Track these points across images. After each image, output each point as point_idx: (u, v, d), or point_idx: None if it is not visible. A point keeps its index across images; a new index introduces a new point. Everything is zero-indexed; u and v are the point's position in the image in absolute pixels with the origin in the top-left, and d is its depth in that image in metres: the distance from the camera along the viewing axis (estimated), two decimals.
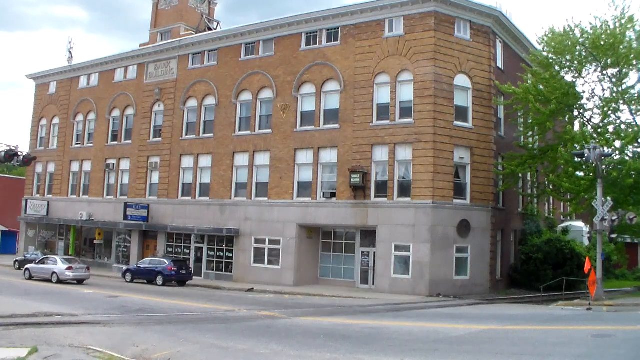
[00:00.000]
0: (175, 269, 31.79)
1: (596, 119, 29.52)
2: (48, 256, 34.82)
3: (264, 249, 33.52)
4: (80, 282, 31.23)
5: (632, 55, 26.88)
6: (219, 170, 36.27)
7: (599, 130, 28.27)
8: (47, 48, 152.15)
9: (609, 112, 28.32)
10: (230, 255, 35.17)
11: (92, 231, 42.91)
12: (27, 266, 33.63)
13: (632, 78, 28.26)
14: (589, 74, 29.10)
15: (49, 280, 30.90)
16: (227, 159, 35.96)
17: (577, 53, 28.48)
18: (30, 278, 32.11)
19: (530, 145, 31.44)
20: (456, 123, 29.58)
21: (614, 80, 28.21)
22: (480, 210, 29.88)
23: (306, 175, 32.75)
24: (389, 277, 29.12)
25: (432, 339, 14.51)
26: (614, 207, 27.23)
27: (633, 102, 27.69)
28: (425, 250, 28.29)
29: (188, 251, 37.28)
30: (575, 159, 26.76)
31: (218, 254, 35.98)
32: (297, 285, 31.29)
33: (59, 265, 31.33)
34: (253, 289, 30.31)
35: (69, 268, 30.97)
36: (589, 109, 29.92)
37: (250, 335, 14.98)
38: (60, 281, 30.59)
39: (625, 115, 28.46)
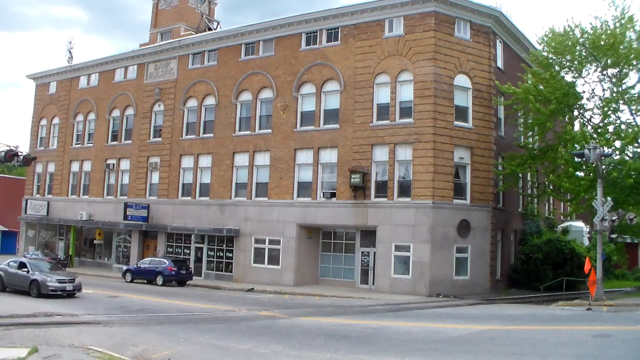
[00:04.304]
0: (175, 269, 31.78)
1: (596, 119, 29.56)
2: None
3: (264, 249, 33.51)
4: None
5: (632, 55, 26.87)
6: (219, 170, 36.27)
7: (599, 130, 28.25)
8: (46, 48, 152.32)
9: (609, 112, 28.30)
10: (230, 255, 35.16)
11: (92, 231, 42.92)
12: None
13: (632, 78, 28.30)
14: (589, 74, 29.11)
15: None
16: (227, 159, 35.96)
17: (577, 53, 28.46)
18: None
19: (530, 145, 31.44)
20: (456, 123, 29.57)
21: (614, 80, 28.20)
22: (480, 210, 29.88)
23: (306, 175, 32.74)
24: (389, 277, 29.12)
25: (432, 339, 14.51)
26: (614, 207, 27.21)
27: (633, 102, 27.67)
28: (425, 250, 28.29)
29: (188, 251, 37.27)
30: (575, 159, 26.75)
31: (218, 254, 35.97)
32: (297, 285, 31.29)
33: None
34: (253, 289, 30.32)
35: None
36: (589, 109, 29.93)
37: (250, 335, 14.98)
38: None
39: (625, 115, 28.50)
